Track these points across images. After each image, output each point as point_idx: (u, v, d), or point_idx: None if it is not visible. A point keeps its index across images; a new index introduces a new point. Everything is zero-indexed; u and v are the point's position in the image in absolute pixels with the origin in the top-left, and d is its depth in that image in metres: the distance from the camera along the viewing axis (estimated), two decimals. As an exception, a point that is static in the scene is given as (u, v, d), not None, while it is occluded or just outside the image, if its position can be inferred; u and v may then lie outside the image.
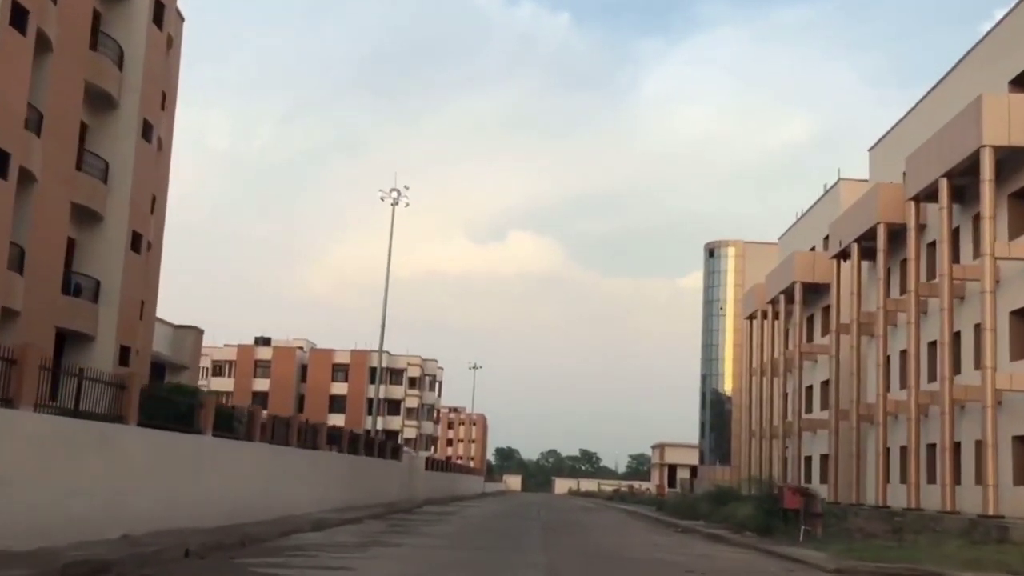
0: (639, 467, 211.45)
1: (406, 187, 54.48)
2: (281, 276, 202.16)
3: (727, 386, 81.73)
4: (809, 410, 59.44)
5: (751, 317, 69.21)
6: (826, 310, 56.59)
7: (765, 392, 64.64)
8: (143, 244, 32.55)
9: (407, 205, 54.43)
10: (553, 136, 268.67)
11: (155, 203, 35.60)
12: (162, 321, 39.27)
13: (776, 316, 63.02)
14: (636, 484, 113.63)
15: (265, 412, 27.09)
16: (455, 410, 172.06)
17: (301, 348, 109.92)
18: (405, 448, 49.31)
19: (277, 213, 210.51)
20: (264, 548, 16.93)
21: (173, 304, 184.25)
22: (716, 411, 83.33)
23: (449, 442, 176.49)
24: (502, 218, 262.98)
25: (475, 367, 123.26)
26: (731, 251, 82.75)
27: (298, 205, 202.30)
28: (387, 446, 41.92)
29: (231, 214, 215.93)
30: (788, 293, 58.41)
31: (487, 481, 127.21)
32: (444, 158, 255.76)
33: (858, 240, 44.49)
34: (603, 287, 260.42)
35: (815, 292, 56.21)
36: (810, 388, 57.44)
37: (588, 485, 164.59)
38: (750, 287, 69.11)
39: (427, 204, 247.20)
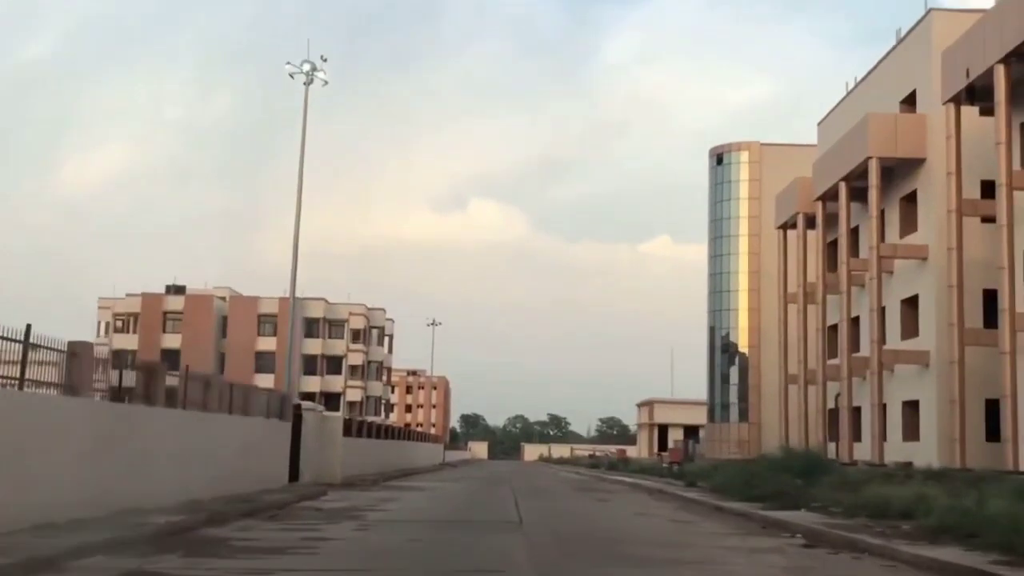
0: (608, 431, 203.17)
1: (323, 59, 37.43)
2: (238, 244, 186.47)
3: (741, 326, 65.49)
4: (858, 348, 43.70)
5: (785, 227, 52.75)
6: (910, 200, 40.26)
7: (812, 323, 48.44)
8: None
9: (325, 84, 37.50)
10: (513, 103, 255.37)
11: None
12: None
13: (828, 221, 46.72)
14: (619, 448, 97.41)
15: None
16: (414, 373, 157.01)
17: (223, 298, 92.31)
18: (308, 404, 32.34)
19: (237, 182, 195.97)
20: None
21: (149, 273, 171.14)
22: (726, 360, 67.18)
23: (408, 408, 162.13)
24: (464, 186, 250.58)
25: (434, 323, 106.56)
26: (744, 156, 66.26)
27: (257, 174, 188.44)
28: (264, 398, 25.11)
29: (191, 182, 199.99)
30: (855, 179, 41.95)
31: (450, 449, 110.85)
32: (405, 125, 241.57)
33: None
34: (567, 253, 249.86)
35: (892, 176, 40.12)
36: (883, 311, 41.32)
37: (560, 451, 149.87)
38: (786, 186, 52.70)
39: (388, 172, 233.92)
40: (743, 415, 64.83)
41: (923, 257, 38.56)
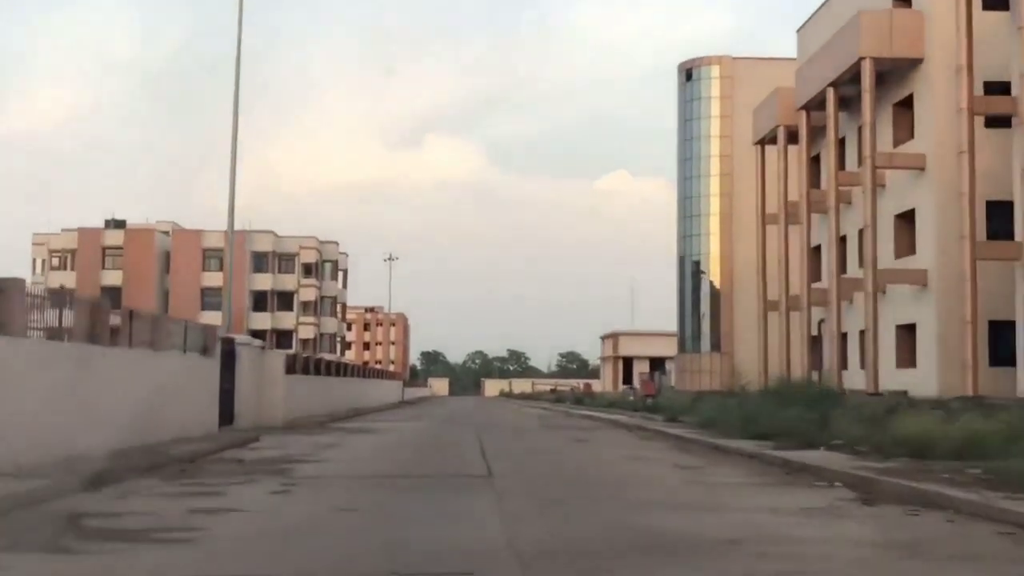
0: (569, 365, 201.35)
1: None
2: (186, 184, 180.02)
3: (713, 252, 62.21)
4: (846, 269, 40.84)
5: (763, 142, 49.23)
6: (906, 107, 36.90)
7: (794, 244, 45.25)
8: None
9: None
10: (467, 36, 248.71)
11: None
12: None
13: (812, 134, 43.31)
14: (584, 382, 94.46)
15: None
16: (372, 310, 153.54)
17: (167, 233, 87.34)
18: (243, 339, 28.48)
19: (191, 122, 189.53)
20: None
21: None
22: (695, 288, 64.03)
23: (366, 345, 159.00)
24: (417, 122, 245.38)
25: (390, 258, 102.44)
26: (715, 71, 62.37)
27: (207, 112, 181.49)
28: (180, 330, 21.19)
29: (137, 121, 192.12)
30: (844, 85, 38.41)
31: (409, 387, 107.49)
32: (356, 61, 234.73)
33: None
34: (523, 188, 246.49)
35: (883, 81, 36.66)
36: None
37: (520, 386, 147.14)
38: (764, 98, 49.04)
39: (340, 110, 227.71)
40: (715, 345, 61.88)
41: (920, 167, 35.27)
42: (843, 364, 39.77)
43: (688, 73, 63.31)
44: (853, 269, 40.31)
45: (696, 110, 62.55)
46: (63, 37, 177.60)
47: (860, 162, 37.87)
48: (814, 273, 43.22)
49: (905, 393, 31.80)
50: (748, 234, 56.90)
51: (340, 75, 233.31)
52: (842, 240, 40.25)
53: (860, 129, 37.86)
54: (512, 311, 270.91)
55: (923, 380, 33.62)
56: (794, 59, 48.31)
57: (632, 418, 36.32)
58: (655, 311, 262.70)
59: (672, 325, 68.89)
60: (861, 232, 37.74)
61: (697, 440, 21.77)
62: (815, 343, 43.00)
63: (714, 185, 61.07)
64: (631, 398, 53.30)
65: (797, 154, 44.51)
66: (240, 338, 28.75)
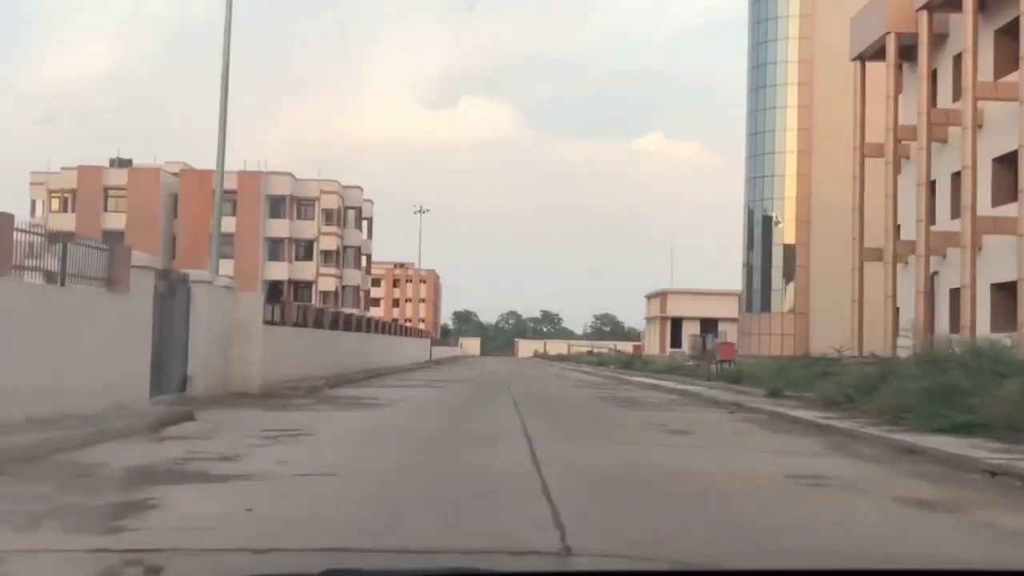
0: (603, 328, 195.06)
1: None
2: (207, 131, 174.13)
3: (788, 195, 53.86)
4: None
5: (863, 57, 40.76)
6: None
7: (895, 183, 37.01)
8: None
9: None
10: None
11: None
12: None
13: (934, 41, 34.93)
14: (634, 344, 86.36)
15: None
16: (401, 266, 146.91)
17: (175, 174, 79.97)
18: (199, 274, 20.83)
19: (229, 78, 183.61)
20: None
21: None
22: (764, 239, 55.82)
23: (395, 303, 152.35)
24: (453, 82, 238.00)
25: (420, 210, 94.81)
26: (794, -16, 53.57)
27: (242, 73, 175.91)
28: (65, 248, 13.67)
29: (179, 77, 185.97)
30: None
31: (439, 345, 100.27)
32: (393, 21, 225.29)
33: None
34: (558, 150, 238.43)
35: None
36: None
37: (556, 347, 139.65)
38: (867, 2, 40.44)
39: (374, 68, 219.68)
40: (785, 305, 53.75)
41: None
42: (959, 323, 31.72)
43: (761, -11, 54.61)
44: (984, 207, 32.11)
45: (770, 31, 53.99)
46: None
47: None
48: (930, 214, 35.02)
49: None
50: (832, 173, 48.66)
51: (376, 32, 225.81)
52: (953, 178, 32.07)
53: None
54: (546, 272, 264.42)
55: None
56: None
57: (711, 389, 28.55)
58: (697, 273, 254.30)
59: (718, 285, 60.95)
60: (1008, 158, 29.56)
61: (861, 434, 13.94)
62: (927, 300, 34.88)
63: (790, 117, 52.62)
64: (693, 362, 45.39)
65: (916, 69, 36.19)
66: (197, 273, 21.24)
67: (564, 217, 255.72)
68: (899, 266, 37.58)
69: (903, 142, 37.07)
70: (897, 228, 37.20)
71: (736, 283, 61.38)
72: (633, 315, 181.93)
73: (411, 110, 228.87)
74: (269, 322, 26.63)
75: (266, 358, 24.10)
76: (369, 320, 48.43)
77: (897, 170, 37.34)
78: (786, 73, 53.37)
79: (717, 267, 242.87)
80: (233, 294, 23.64)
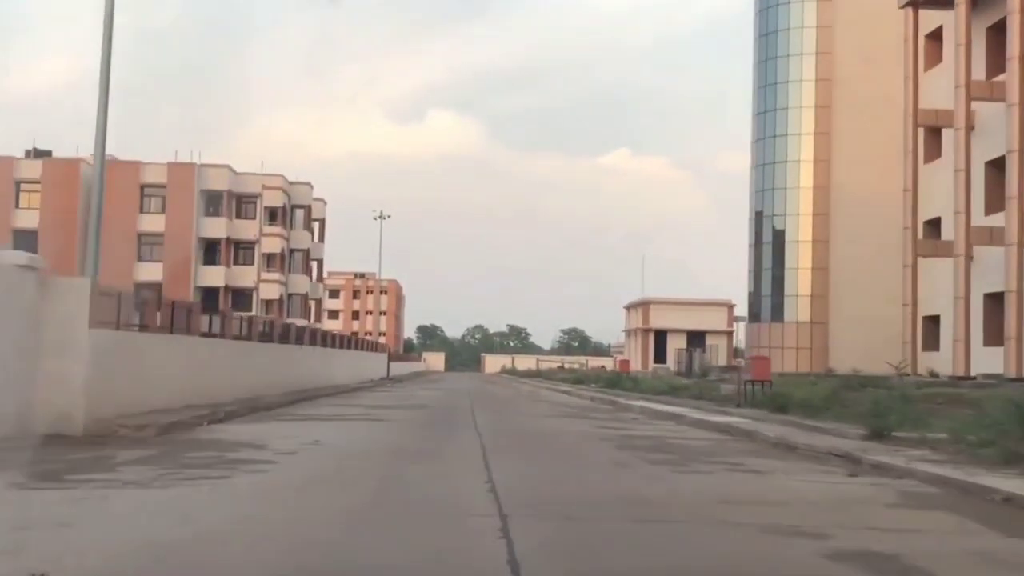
0: (571, 342, 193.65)
1: None
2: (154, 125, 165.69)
3: (803, 184, 46.04)
4: None
5: (916, 4, 33.10)
6: None
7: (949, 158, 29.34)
8: None
9: None
10: (472, 13, 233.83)
11: None
12: None
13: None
14: (621, 359, 77.94)
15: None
16: (362, 276, 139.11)
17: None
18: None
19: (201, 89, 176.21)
20: None
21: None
22: (775, 237, 48.01)
23: (355, 315, 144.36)
24: (420, 97, 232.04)
25: (381, 216, 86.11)
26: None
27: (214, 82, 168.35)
28: None
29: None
30: None
31: (401, 360, 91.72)
32: (362, 37, 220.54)
33: None
34: (524, 164, 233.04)
35: None
36: None
37: (524, 362, 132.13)
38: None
39: (343, 82, 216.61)
40: (800, 313, 45.89)
41: None
42: (933, 344, 23.95)
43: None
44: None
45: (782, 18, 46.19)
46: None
47: None
48: (996, 200, 27.34)
49: None
50: (854, 156, 41.13)
51: (344, 45, 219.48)
52: (994, 165, 24.35)
53: None
54: (513, 287, 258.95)
55: None
56: None
57: (757, 421, 20.34)
58: (671, 282, 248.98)
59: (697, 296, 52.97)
60: None
61: None
62: (1019, 300, 27.11)
63: (806, 93, 44.85)
64: (686, 379, 37.45)
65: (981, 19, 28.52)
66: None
67: (532, 231, 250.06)
68: (940, 262, 30.00)
69: (976, 102, 29.40)
70: (968, 214, 29.46)
71: (721, 292, 53.79)
72: (601, 330, 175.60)
73: (378, 124, 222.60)
74: (132, 325, 18.64)
75: (102, 376, 15.67)
76: (305, 329, 39.94)
77: (967, 137, 29.61)
78: (800, 41, 45.67)
79: (696, 279, 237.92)
80: (42, 279, 15.15)
